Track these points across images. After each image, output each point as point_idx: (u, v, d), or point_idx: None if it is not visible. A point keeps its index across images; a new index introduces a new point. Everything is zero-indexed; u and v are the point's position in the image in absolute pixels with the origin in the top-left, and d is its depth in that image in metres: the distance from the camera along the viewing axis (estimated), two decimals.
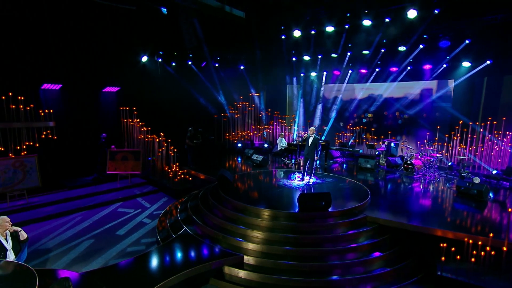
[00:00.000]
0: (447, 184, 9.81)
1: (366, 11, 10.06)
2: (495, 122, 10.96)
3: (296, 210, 7.01)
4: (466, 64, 11.90)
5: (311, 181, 9.36)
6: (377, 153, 13.33)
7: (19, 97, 9.00)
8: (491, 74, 11.75)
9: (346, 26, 10.95)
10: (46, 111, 9.65)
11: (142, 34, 12.29)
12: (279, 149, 13.08)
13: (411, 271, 6.00)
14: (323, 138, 14.51)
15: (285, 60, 14.69)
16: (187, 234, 6.90)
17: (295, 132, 15.78)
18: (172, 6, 11.08)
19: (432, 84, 13.15)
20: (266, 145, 15.16)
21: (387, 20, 10.05)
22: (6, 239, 4.75)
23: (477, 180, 8.78)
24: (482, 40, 10.86)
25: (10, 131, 8.97)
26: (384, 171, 11.60)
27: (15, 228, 4.86)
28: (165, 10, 12.05)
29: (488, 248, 5.45)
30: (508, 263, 5.46)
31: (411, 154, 11.54)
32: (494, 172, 10.32)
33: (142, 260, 5.83)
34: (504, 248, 5.45)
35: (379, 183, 10.08)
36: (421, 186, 9.71)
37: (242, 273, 5.82)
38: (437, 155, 11.19)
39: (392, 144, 12.42)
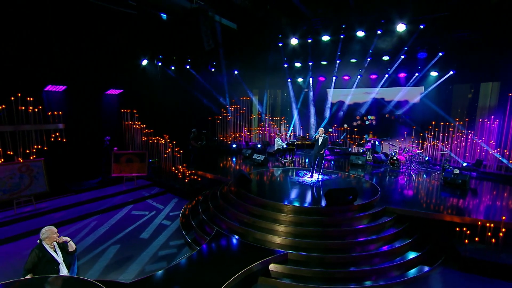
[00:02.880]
0: (431, 176, 10.26)
1: (359, 24, 10.24)
2: (457, 122, 11.78)
3: (323, 205, 6.79)
4: (434, 73, 12.61)
5: (320, 177, 9.22)
6: (361, 150, 13.64)
7: (28, 98, 7.62)
8: (444, 83, 12.53)
9: (342, 36, 11.03)
10: (55, 113, 8.31)
11: (143, 38, 11.34)
12: (276, 148, 12.78)
13: (435, 254, 6.08)
14: (313, 138, 14.46)
15: (279, 65, 14.45)
16: (221, 234, 6.33)
17: (289, 133, 15.62)
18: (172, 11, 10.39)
19: (406, 90, 13.73)
20: (259, 145, 14.79)
21: (378, 32, 10.30)
22: (56, 252, 3.90)
23: (456, 171, 9.28)
24: (449, 53, 11.59)
25: (18, 134, 7.55)
26: (371, 166, 11.85)
27: (64, 238, 4.01)
28: (165, 16, 11.27)
29: (503, 229, 5.69)
30: None
31: (395, 151, 11.94)
32: (465, 164, 11.04)
33: (190, 264, 5.18)
34: None
35: (376, 177, 10.21)
36: (411, 178, 10.04)
37: (288, 269, 5.45)
38: (417, 151, 11.70)
39: (377, 143, 12.77)
